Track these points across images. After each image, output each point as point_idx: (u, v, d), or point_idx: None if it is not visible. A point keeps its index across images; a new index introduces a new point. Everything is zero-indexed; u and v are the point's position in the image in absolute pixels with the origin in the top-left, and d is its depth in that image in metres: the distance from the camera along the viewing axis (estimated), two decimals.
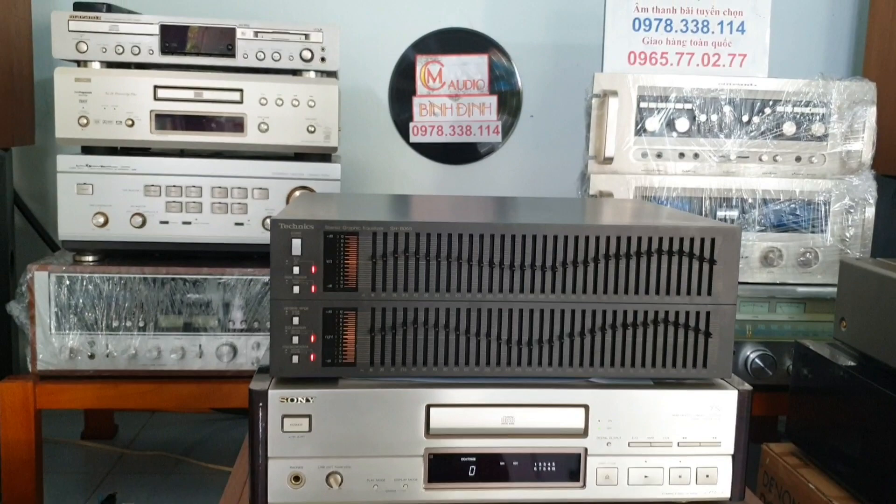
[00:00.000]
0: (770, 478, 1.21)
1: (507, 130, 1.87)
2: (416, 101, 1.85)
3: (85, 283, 1.32)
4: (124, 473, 1.61)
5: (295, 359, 0.76)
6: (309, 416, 0.76)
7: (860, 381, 1.04)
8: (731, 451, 0.81)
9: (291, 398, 0.76)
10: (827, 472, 1.11)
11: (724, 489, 0.81)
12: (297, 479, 0.77)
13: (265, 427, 0.76)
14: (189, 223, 1.35)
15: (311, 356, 0.76)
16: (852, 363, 1.10)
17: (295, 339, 0.76)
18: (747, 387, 0.81)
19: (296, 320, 0.76)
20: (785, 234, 1.42)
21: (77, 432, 1.76)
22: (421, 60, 1.84)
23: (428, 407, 0.77)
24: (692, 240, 0.79)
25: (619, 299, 0.79)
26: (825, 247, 1.43)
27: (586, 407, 0.79)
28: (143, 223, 1.34)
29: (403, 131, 1.86)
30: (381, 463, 0.77)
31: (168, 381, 1.37)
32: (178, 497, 1.52)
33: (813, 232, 1.43)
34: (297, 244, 0.74)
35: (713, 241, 0.79)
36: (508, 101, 1.87)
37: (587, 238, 0.78)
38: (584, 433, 0.79)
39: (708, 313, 0.80)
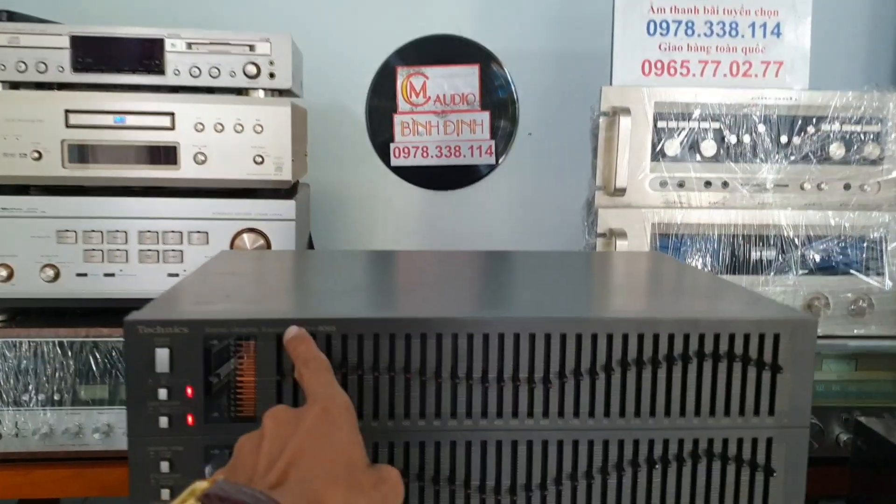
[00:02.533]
0: None
1: (501, 151, 1.63)
2: (397, 118, 1.61)
3: None
4: None
5: None
6: None
7: None
8: None
9: None
10: None
11: None
12: None
13: None
14: (112, 275, 1.12)
15: None
16: None
17: (165, 494, 0.52)
18: None
19: (165, 466, 0.52)
20: (833, 277, 1.18)
21: None
22: (402, 73, 1.60)
23: None
24: (746, 337, 0.54)
25: (640, 424, 0.54)
26: (882, 292, 1.18)
27: None
28: (57, 276, 1.11)
29: (384, 154, 1.62)
30: None
31: (91, 464, 1.13)
32: None
33: (866, 274, 1.18)
34: (163, 356, 0.51)
35: (776, 337, 0.54)
36: (503, 117, 1.63)
37: (594, 337, 0.53)
38: None
39: (769, 440, 0.55)
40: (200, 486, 0.39)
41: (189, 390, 0.51)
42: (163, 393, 0.51)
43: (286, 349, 0.51)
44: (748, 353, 0.54)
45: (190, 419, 0.51)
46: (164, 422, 0.51)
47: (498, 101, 1.62)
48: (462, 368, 0.53)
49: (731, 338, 0.54)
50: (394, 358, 0.53)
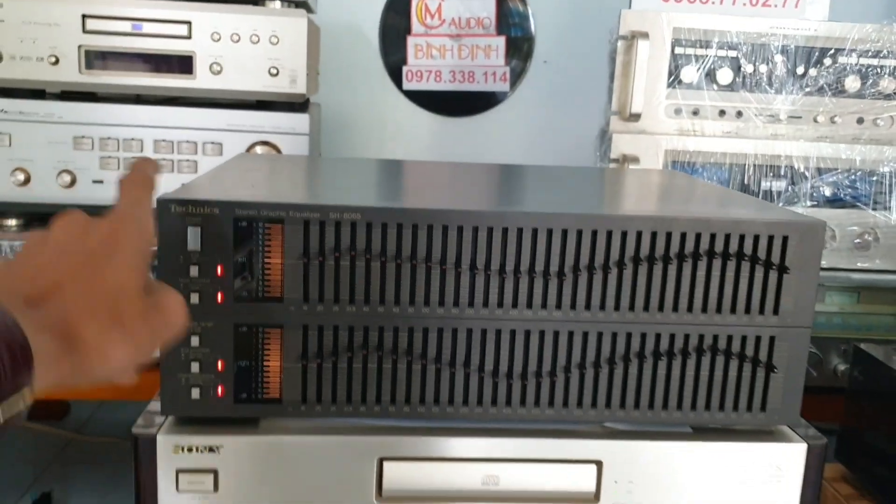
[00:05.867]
0: None
1: (516, 78, 1.63)
2: (410, 40, 1.60)
3: (6, 252, 1.11)
4: (71, 463, 1.42)
5: (195, 392, 0.55)
6: (214, 472, 0.55)
7: None
8: None
9: (189, 447, 0.55)
10: None
11: None
12: None
13: (153, 485, 0.55)
14: None
15: (219, 389, 0.55)
16: None
17: (195, 367, 0.54)
18: (821, 438, 0.60)
19: (195, 340, 0.54)
20: (841, 210, 1.19)
21: None
22: None
23: (381, 460, 0.56)
24: (756, 237, 0.56)
25: (648, 318, 0.57)
26: (888, 227, 1.19)
27: (599, 463, 0.58)
28: (73, 182, 1.12)
29: (396, 76, 1.62)
30: None
31: None
32: (127, 496, 1.33)
33: (874, 209, 1.19)
34: (194, 234, 0.52)
35: (785, 239, 0.56)
36: (519, 43, 1.62)
37: (609, 233, 0.55)
38: (594, 498, 0.58)
39: (772, 339, 0.58)
40: None
41: (219, 269, 0.53)
42: (194, 270, 0.53)
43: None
44: (757, 254, 0.56)
45: (219, 297, 0.53)
46: (194, 298, 0.53)
47: (513, 26, 1.61)
48: (481, 260, 0.55)
49: (742, 238, 0.56)
50: (416, 247, 0.54)
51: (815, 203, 1.18)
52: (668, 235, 0.55)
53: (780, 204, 1.18)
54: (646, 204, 0.67)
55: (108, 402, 1.62)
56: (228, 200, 0.52)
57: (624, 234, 0.55)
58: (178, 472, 0.55)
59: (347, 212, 0.53)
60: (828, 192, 1.19)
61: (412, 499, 0.57)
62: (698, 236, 0.55)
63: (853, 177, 1.18)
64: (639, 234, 0.55)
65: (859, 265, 1.20)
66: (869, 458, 0.94)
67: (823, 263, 1.18)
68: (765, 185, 1.18)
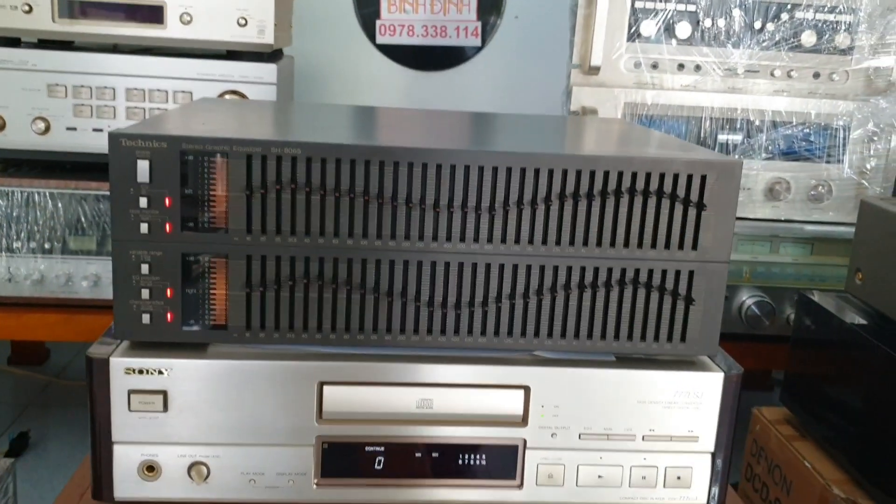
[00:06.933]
0: (760, 447, 1.06)
1: (487, 33, 1.65)
2: None
3: None
4: (49, 406, 1.46)
5: (146, 318, 0.58)
6: (164, 393, 0.59)
7: (872, 346, 0.86)
8: (712, 449, 0.64)
9: (141, 369, 0.58)
10: (826, 449, 0.95)
11: (699, 495, 0.64)
12: (150, 469, 0.60)
13: (107, 405, 0.59)
14: (101, 130, 1.16)
15: (168, 315, 0.59)
16: (864, 322, 0.93)
17: (145, 293, 0.58)
18: (737, 368, 0.64)
19: (145, 268, 0.57)
20: (795, 163, 1.23)
21: (3, 357, 1.61)
22: None
23: (321, 384, 0.60)
24: (676, 176, 0.59)
25: (574, 252, 0.60)
26: (840, 179, 1.23)
27: (527, 388, 0.62)
28: (47, 129, 1.15)
29: (369, 30, 1.63)
30: (261, 453, 0.61)
31: (80, 311, 1.20)
32: None
33: (828, 162, 1.23)
34: (143, 167, 0.55)
35: (703, 178, 0.59)
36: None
37: (536, 171, 0.58)
38: (522, 421, 0.62)
39: (691, 273, 0.61)
40: None
41: (167, 201, 0.56)
42: (143, 201, 0.56)
43: None
44: (677, 192, 0.59)
45: (168, 227, 0.57)
46: (144, 228, 0.56)
47: None
48: (416, 195, 0.58)
49: (662, 176, 0.59)
50: (354, 182, 0.58)
51: (771, 156, 1.22)
52: (592, 174, 0.59)
53: (737, 156, 1.22)
54: (579, 144, 0.71)
55: (86, 349, 1.66)
56: (175, 135, 0.55)
57: (551, 172, 0.59)
58: (129, 392, 0.58)
59: (288, 147, 0.56)
60: (783, 145, 1.22)
61: (351, 421, 0.61)
62: (620, 174, 0.59)
63: (808, 130, 1.21)
64: (565, 172, 0.59)
65: (813, 217, 1.24)
66: (810, 402, 0.99)
67: (779, 216, 1.23)
68: (721, 137, 1.22)
